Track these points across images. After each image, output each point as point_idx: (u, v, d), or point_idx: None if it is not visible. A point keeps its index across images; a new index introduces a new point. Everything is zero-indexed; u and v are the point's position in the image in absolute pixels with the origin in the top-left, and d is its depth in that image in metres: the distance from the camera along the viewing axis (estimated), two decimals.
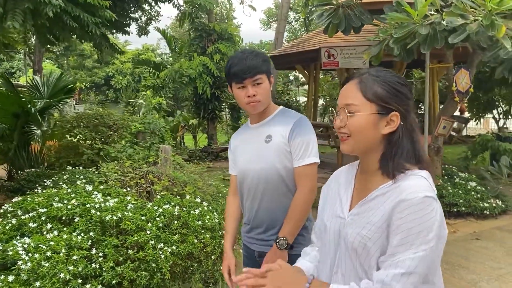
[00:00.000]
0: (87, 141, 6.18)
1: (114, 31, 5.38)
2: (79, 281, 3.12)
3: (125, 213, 3.51)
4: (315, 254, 1.54)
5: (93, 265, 3.26)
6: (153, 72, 16.32)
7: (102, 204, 3.57)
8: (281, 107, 2.26)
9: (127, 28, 5.50)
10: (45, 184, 4.92)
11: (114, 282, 3.28)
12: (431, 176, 1.30)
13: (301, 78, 24.84)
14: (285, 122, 2.12)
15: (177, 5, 8.50)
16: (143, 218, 3.58)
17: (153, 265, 3.44)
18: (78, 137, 6.05)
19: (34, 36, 10.75)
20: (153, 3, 6.36)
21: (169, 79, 13.78)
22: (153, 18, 12.21)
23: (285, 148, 2.10)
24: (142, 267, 3.42)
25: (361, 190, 1.36)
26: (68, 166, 5.40)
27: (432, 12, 4.84)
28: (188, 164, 4.55)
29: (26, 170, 6.25)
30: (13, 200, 4.03)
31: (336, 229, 1.36)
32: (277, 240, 2.07)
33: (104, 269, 3.28)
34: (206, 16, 13.74)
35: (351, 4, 6.05)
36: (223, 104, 13.97)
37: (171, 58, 16.52)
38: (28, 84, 8.87)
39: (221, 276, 3.94)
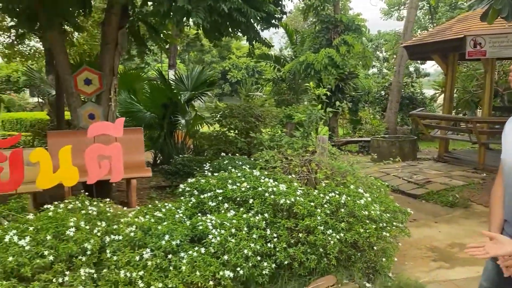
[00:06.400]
0: (235, 130, 6.58)
1: (266, 26, 5.61)
2: (258, 258, 3.35)
3: (297, 198, 3.67)
4: None
5: (268, 244, 3.48)
6: (273, 65, 16.65)
7: (275, 188, 3.77)
8: None
9: (275, 22, 5.68)
10: (205, 168, 5.32)
11: (286, 262, 3.47)
12: None
13: (422, 69, 23.47)
14: None
15: None
16: (312, 204, 3.71)
17: (321, 250, 3.56)
18: (228, 126, 6.47)
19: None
20: None
21: (292, 72, 14.02)
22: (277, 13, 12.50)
23: None
24: (310, 250, 3.56)
25: None
26: (223, 153, 5.80)
27: None
28: (342, 154, 4.61)
29: (180, 156, 6.85)
30: (188, 181, 4.45)
31: None
32: None
33: (277, 249, 3.48)
34: (332, 8, 13.64)
35: None
36: (347, 97, 13.77)
37: (292, 52, 16.71)
38: (174, 78, 9.70)
39: (382, 269, 3.94)
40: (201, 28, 4.90)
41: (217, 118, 6.65)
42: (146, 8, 6.44)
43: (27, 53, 16.29)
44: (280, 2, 5.50)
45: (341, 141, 13.28)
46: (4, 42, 16.18)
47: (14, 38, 14.19)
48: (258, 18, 4.66)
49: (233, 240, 3.32)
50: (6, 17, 12.69)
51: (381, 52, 30.63)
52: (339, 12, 13.39)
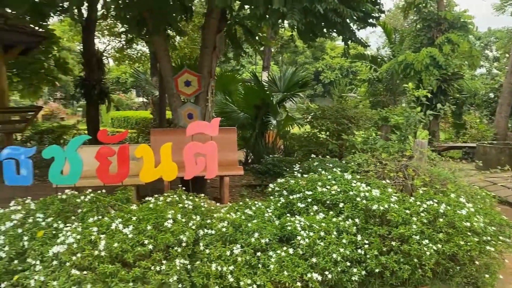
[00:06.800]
0: (327, 132, 6.50)
1: (362, 26, 5.44)
2: (348, 263, 3.28)
3: (391, 205, 3.52)
4: None
5: (359, 250, 3.38)
6: (370, 66, 16.15)
7: (367, 193, 3.66)
8: None
9: (373, 21, 5.49)
10: (294, 169, 5.33)
11: (377, 270, 3.34)
12: None
13: None
14: None
15: None
16: (407, 211, 3.53)
17: (415, 260, 3.37)
18: (319, 128, 6.42)
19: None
20: None
21: (389, 73, 13.47)
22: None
23: None
24: (404, 260, 3.39)
25: None
26: (313, 155, 5.76)
27: None
28: (443, 161, 4.32)
29: (270, 156, 6.94)
30: (278, 181, 4.49)
31: None
32: None
33: (368, 256, 3.37)
34: (435, 5, 12.86)
35: None
36: (450, 99, 12.86)
37: (390, 51, 16.06)
38: (267, 79, 9.86)
39: (484, 285, 3.62)
40: (295, 29, 4.92)
41: (308, 119, 6.62)
42: (243, 11, 6.63)
43: (134, 57, 17.77)
44: (378, 1, 5.31)
45: (442, 147, 12.45)
46: (116, 47, 17.83)
47: (124, 43, 15.57)
48: (355, 18, 4.56)
49: (321, 243, 3.28)
50: (118, 24, 13.96)
51: (491, 51, 28.14)
52: (443, 9, 12.57)
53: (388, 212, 3.47)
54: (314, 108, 6.85)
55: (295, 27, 4.60)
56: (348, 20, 4.79)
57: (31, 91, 14.69)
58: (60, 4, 6.09)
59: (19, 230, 3.32)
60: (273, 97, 9.03)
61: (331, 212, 3.70)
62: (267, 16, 4.56)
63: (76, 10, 6.85)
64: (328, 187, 3.92)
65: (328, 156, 5.64)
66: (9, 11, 7.10)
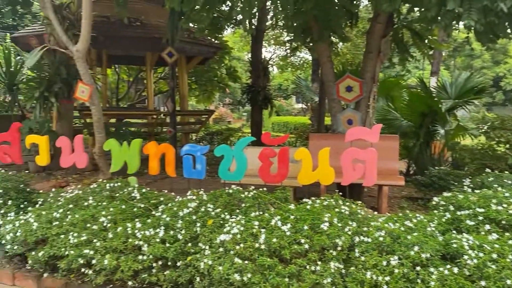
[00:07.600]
0: (506, 145, 5.76)
1: None
2: None
3: None
4: None
5: None
6: None
7: None
8: None
9: None
10: (464, 183, 4.86)
11: None
12: None
13: None
14: None
15: None
16: None
17: None
18: (496, 139, 5.73)
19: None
20: None
21: None
22: None
23: None
24: None
25: None
26: (487, 169, 5.17)
27: None
28: None
29: (436, 168, 6.45)
30: (443, 194, 4.16)
31: None
32: None
33: None
34: None
35: None
36: None
37: None
38: (436, 85, 9.19)
39: None
40: (472, 31, 4.48)
41: (483, 130, 5.95)
42: (412, 14, 6.32)
43: (297, 64, 18.47)
44: None
45: None
46: (280, 55, 18.83)
47: (288, 51, 16.34)
48: None
49: (493, 266, 2.93)
50: (284, 33, 14.72)
51: None
52: None
53: None
54: (491, 117, 6.12)
55: (472, 28, 4.20)
56: None
57: (205, 97, 16.57)
58: (235, 17, 6.69)
59: (193, 217, 3.76)
60: (442, 104, 8.38)
61: (507, 234, 3.27)
62: (439, 18, 4.26)
63: (247, 22, 7.48)
64: (505, 205, 3.48)
65: (506, 172, 4.99)
66: (192, 25, 8.08)
